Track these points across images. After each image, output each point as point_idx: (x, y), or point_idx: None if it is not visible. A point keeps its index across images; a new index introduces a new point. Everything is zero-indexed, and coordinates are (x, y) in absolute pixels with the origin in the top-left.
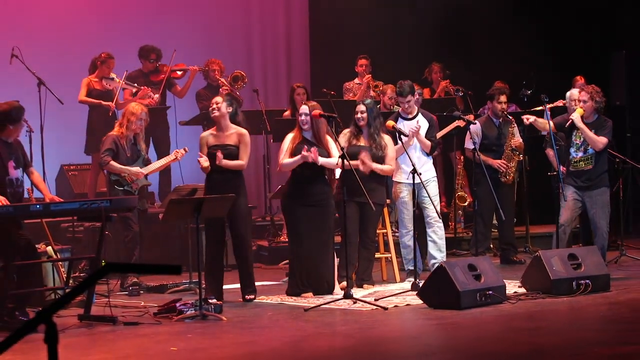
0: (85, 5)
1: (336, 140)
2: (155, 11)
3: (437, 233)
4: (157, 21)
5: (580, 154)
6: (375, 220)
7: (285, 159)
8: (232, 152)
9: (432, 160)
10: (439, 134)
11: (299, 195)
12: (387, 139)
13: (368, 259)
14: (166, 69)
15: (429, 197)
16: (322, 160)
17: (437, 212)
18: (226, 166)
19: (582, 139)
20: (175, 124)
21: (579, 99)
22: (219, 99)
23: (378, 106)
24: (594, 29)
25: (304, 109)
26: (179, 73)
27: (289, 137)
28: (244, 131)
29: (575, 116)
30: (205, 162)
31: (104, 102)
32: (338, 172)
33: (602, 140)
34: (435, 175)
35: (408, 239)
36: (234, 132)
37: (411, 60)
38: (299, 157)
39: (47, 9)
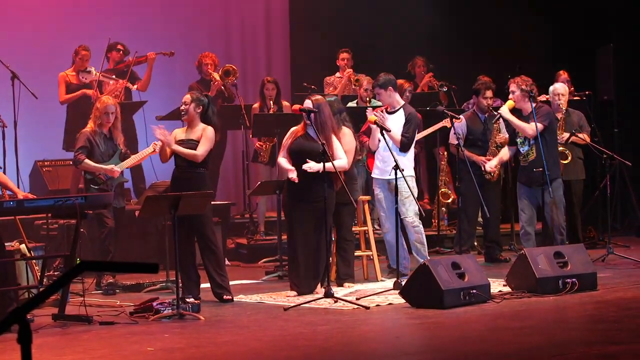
0: None
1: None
2: (132, 5)
3: (411, 236)
4: (133, 15)
5: (526, 148)
6: (349, 219)
7: (281, 156)
8: (193, 147)
9: (407, 157)
10: (424, 133)
11: (297, 193)
12: (345, 132)
13: (345, 258)
14: (130, 60)
15: (415, 197)
16: (317, 167)
17: (422, 213)
18: (178, 152)
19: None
20: (146, 118)
21: (510, 90)
22: (187, 98)
23: (355, 100)
24: (581, 22)
25: (307, 103)
26: (142, 58)
27: (292, 130)
28: (209, 127)
29: (504, 109)
30: (161, 135)
31: (87, 91)
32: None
33: (531, 127)
34: (413, 174)
35: (390, 237)
36: (200, 128)
37: (394, 53)
38: (289, 170)
39: (22, 1)
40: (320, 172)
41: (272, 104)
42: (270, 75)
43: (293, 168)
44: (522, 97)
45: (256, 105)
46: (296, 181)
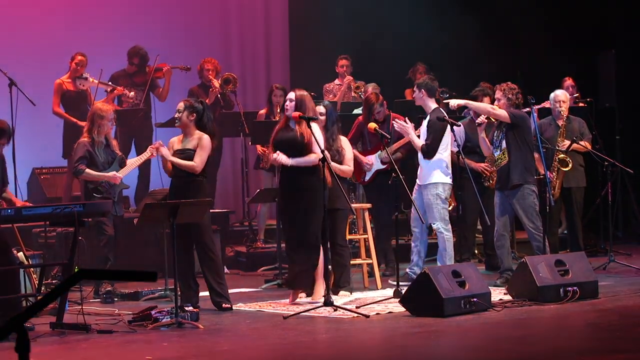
0: (60, 5)
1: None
2: (132, 11)
3: (439, 241)
4: (134, 21)
5: (498, 152)
6: (343, 225)
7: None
8: (189, 156)
9: (437, 164)
10: (396, 145)
11: (284, 185)
12: (344, 141)
13: (342, 265)
14: (149, 70)
15: (414, 204)
16: (292, 161)
17: (421, 219)
18: (176, 164)
19: (498, 137)
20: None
21: (496, 97)
22: (180, 106)
23: (361, 108)
24: (583, 28)
25: (291, 94)
26: (159, 73)
27: (276, 127)
28: (205, 135)
29: (477, 105)
30: (158, 149)
31: (79, 122)
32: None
33: (501, 112)
34: (436, 181)
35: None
36: (196, 137)
37: (394, 60)
38: (274, 155)
39: (20, 8)
40: (289, 165)
41: (279, 111)
42: (270, 83)
43: (277, 152)
44: (507, 105)
45: (262, 111)
46: (281, 160)
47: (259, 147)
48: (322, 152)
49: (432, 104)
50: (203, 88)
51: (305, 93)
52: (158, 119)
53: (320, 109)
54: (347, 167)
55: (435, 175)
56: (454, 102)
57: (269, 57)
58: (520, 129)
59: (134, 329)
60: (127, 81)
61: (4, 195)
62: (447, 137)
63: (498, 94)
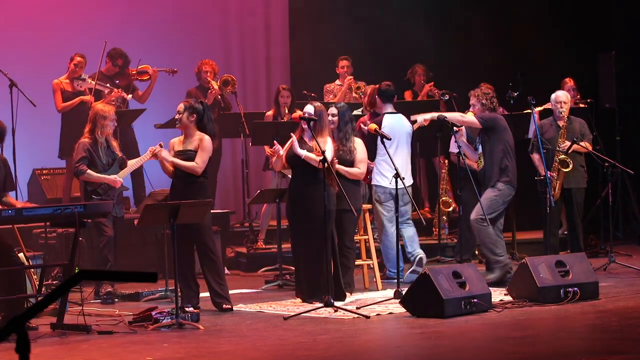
0: (59, 6)
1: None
2: (131, 12)
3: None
4: (132, 22)
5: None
6: (351, 227)
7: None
8: (190, 157)
9: (376, 166)
10: None
11: (294, 198)
12: (357, 142)
13: (346, 266)
14: (131, 72)
15: (413, 203)
16: (304, 153)
17: (421, 220)
18: (177, 165)
19: (477, 143)
20: (143, 127)
21: (470, 103)
22: (180, 107)
23: (361, 109)
24: (583, 29)
25: (309, 108)
26: (144, 75)
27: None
28: (206, 136)
29: (451, 115)
30: (156, 151)
31: (83, 98)
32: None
33: (469, 118)
34: (374, 183)
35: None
36: (197, 138)
37: (394, 61)
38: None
39: (20, 9)
40: (302, 156)
41: (286, 112)
42: (270, 83)
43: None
44: (481, 110)
45: (270, 112)
46: (278, 150)
47: (267, 149)
48: (323, 152)
49: (385, 109)
50: (201, 90)
51: (321, 104)
52: (138, 120)
53: (333, 110)
54: (357, 170)
55: (375, 177)
56: (420, 118)
57: (269, 58)
58: (493, 131)
59: (135, 329)
60: (107, 82)
61: (4, 200)
62: (394, 140)
63: (472, 100)
